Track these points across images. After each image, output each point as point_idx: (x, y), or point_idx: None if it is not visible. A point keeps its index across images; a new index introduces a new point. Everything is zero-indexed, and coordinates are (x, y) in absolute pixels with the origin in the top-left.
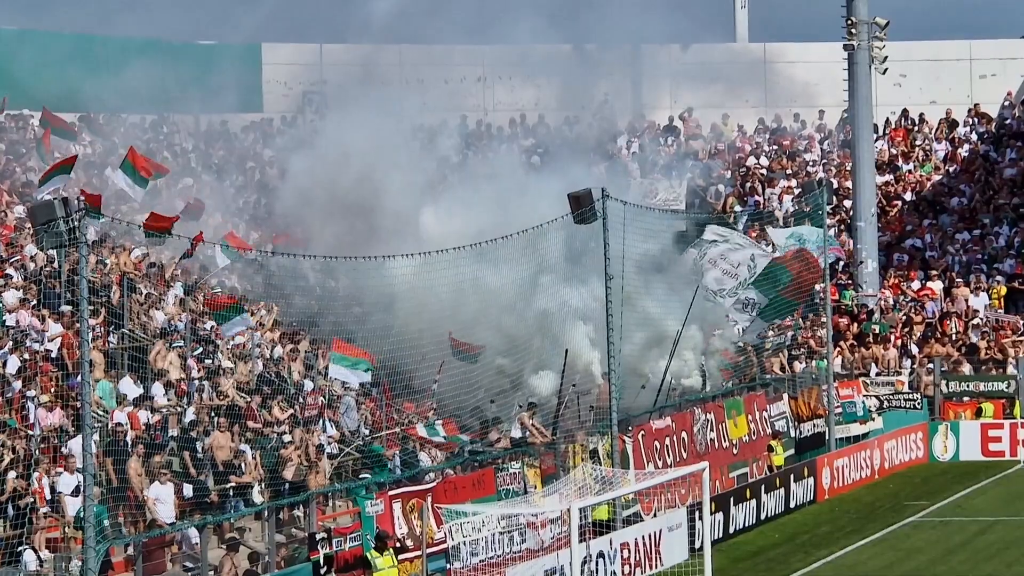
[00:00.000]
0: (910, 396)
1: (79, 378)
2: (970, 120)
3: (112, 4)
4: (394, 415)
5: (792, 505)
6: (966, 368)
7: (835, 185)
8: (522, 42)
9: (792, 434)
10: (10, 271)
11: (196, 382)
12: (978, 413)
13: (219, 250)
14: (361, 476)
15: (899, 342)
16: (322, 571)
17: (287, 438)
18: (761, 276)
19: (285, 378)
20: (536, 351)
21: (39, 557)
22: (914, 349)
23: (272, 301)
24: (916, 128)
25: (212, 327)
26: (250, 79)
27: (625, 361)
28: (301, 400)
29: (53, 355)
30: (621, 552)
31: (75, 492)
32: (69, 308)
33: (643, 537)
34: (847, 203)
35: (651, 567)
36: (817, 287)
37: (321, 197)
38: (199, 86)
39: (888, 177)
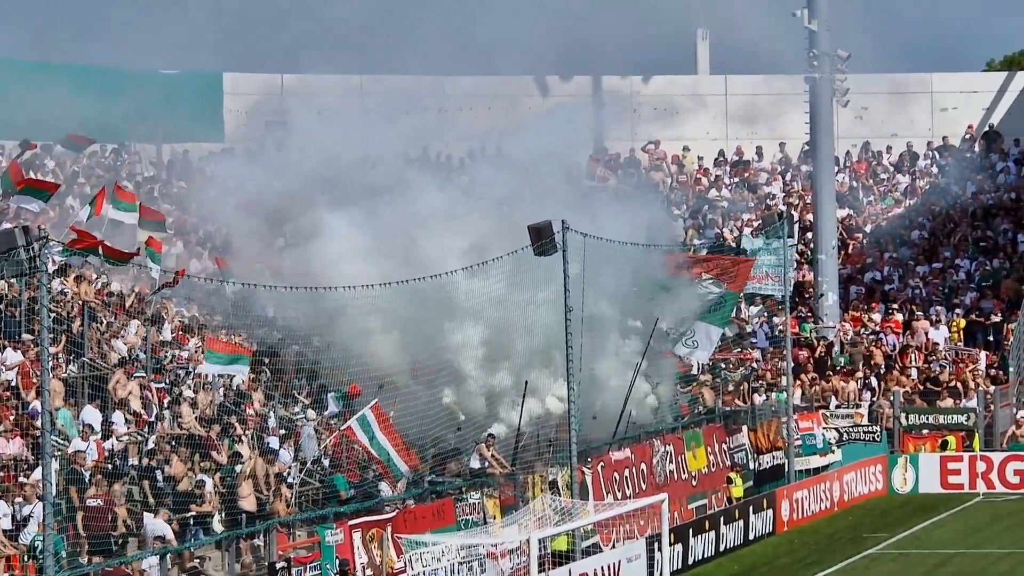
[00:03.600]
0: (869, 429)
1: (38, 407)
2: (931, 153)
3: (74, 32)
4: (355, 446)
5: (751, 537)
6: (926, 401)
7: (796, 217)
8: (483, 73)
9: (751, 466)
10: None
11: (156, 411)
12: (943, 446)
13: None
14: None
15: (861, 375)
16: None
17: (247, 468)
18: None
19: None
20: (497, 381)
21: None
22: (874, 381)
23: (233, 331)
24: (877, 161)
25: (174, 356)
26: (211, 108)
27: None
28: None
29: (12, 383)
30: None
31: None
32: (29, 337)
33: (602, 568)
34: (808, 235)
35: None
36: (777, 319)
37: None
38: (160, 115)
39: (848, 211)
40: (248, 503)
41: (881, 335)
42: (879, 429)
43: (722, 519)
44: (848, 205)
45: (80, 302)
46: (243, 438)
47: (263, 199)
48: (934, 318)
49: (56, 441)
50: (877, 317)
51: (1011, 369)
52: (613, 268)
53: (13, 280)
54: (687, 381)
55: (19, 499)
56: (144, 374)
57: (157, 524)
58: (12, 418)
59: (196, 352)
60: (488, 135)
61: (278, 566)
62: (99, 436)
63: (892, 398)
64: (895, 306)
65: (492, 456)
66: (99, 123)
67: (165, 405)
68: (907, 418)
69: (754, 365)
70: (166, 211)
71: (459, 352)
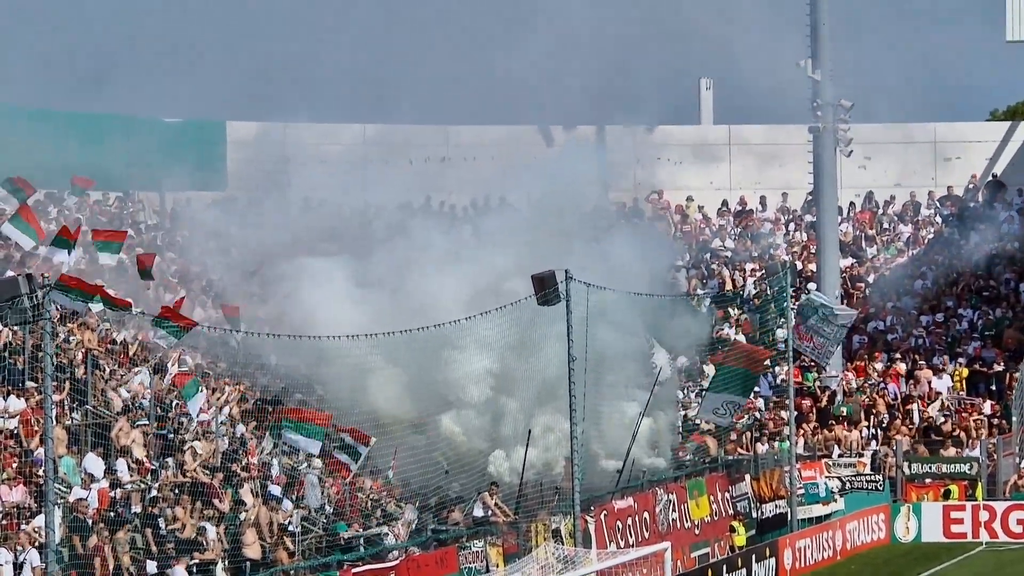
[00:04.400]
0: (872, 478)
1: (42, 454)
2: (934, 203)
3: (77, 80)
4: (358, 493)
5: None
6: (928, 450)
7: (799, 267)
8: (486, 122)
9: (754, 515)
10: None
11: (159, 459)
12: (946, 495)
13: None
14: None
15: (865, 424)
16: None
17: (252, 516)
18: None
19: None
20: (501, 430)
21: None
22: (877, 431)
23: (237, 379)
24: (881, 211)
25: (177, 404)
26: (214, 157)
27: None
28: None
29: (14, 431)
30: None
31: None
32: (33, 384)
33: None
34: (811, 285)
35: None
36: (780, 368)
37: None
38: (163, 163)
39: (851, 261)
40: (252, 551)
41: (884, 384)
42: (882, 478)
43: (725, 568)
44: (851, 255)
45: (83, 349)
46: (246, 485)
47: (263, 248)
48: (937, 367)
49: (59, 489)
50: (880, 366)
51: (1014, 418)
52: (618, 316)
53: (16, 328)
54: (689, 430)
55: (19, 547)
56: (147, 422)
57: (177, 571)
58: (15, 466)
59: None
60: (493, 181)
61: None
62: (101, 484)
63: (895, 447)
64: (898, 355)
65: (495, 504)
66: (102, 171)
67: (167, 453)
68: (910, 467)
69: (757, 414)
70: (170, 259)
71: (461, 398)
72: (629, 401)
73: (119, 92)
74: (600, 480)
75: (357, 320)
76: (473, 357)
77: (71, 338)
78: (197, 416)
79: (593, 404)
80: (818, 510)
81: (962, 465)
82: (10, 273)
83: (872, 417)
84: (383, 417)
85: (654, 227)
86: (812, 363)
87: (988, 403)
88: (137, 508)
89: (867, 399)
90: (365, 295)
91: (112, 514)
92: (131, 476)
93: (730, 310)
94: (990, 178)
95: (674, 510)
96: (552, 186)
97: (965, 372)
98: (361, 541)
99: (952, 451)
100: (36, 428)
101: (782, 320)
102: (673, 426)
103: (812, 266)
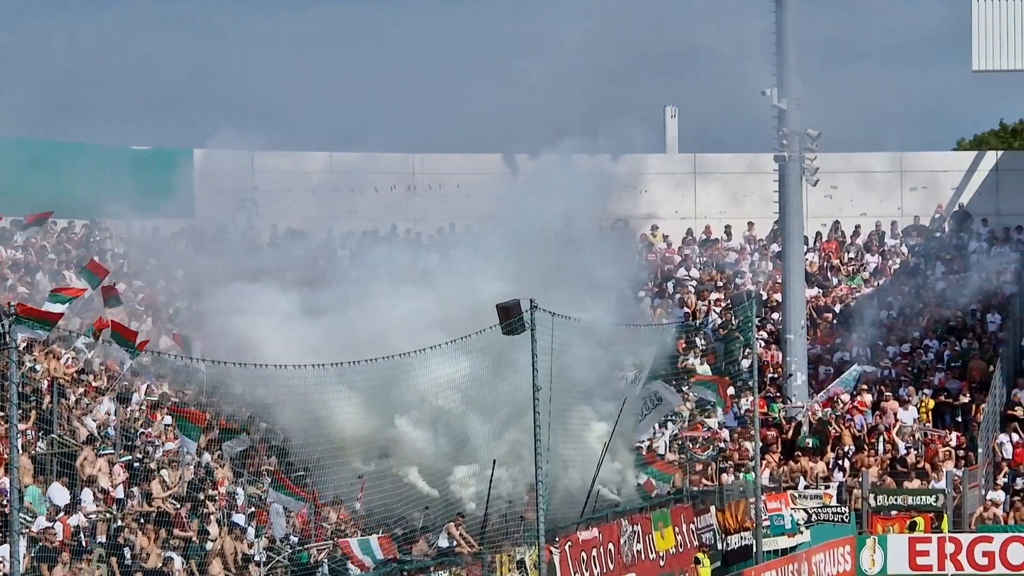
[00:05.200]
0: (838, 509)
1: (6, 483)
2: (900, 233)
3: (46, 107)
4: (323, 523)
5: None
6: (895, 482)
7: (764, 297)
8: (452, 151)
9: (719, 546)
10: None
11: (124, 488)
12: (911, 527)
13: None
14: None
15: (831, 455)
16: None
17: (217, 545)
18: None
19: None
20: (465, 461)
21: None
22: (844, 462)
23: (203, 407)
24: (848, 241)
25: (143, 432)
26: (182, 184)
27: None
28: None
29: None
30: None
31: None
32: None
33: None
34: (775, 315)
35: None
36: (745, 399)
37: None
38: (131, 191)
39: (817, 291)
40: None
41: (850, 416)
42: (848, 510)
43: None
44: (817, 284)
45: (49, 378)
46: (212, 516)
47: (215, 276)
48: (903, 398)
49: (24, 518)
50: (846, 397)
51: (980, 450)
52: (583, 347)
53: None
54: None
55: None
56: (113, 451)
57: None
58: None
59: (166, 429)
60: (460, 208)
61: None
62: (65, 514)
63: (861, 479)
64: (864, 386)
65: (460, 535)
66: (69, 199)
67: (133, 482)
68: (876, 499)
69: (722, 445)
70: (137, 288)
71: (424, 429)
72: (595, 426)
73: (86, 120)
74: (564, 507)
75: (300, 347)
76: (435, 385)
77: (37, 367)
78: (191, 451)
79: (559, 432)
80: (784, 542)
81: (928, 497)
82: None
83: (838, 448)
84: (348, 444)
85: (625, 248)
86: (777, 394)
87: (954, 434)
88: (103, 538)
89: (833, 430)
90: (313, 321)
91: (77, 544)
92: (97, 505)
93: (697, 340)
94: (956, 208)
95: (639, 541)
96: (519, 212)
97: (932, 403)
98: (326, 571)
99: (917, 483)
100: (5, 457)
101: (747, 351)
102: (638, 455)
103: (778, 296)
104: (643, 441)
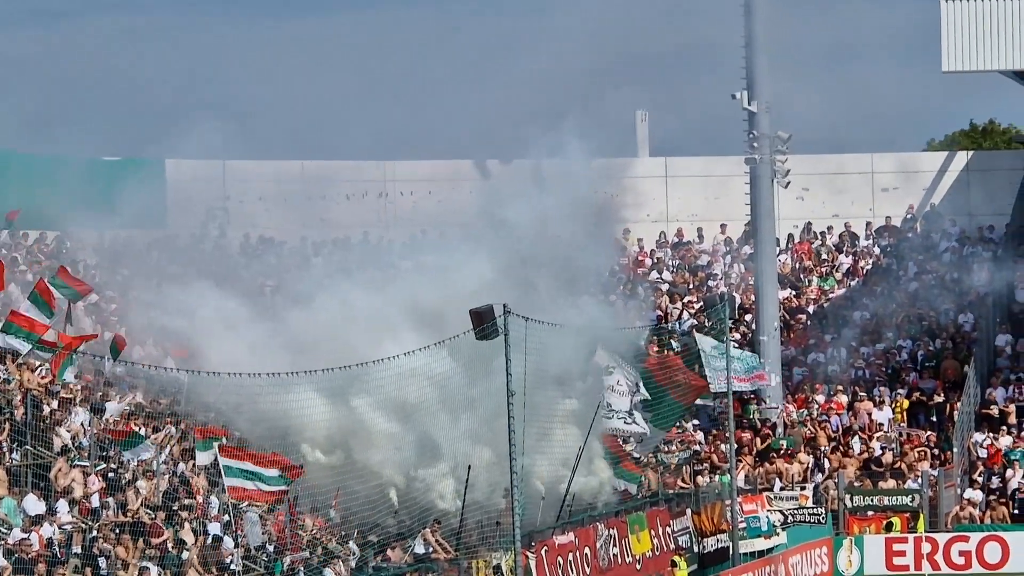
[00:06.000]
0: (814, 511)
1: None
2: (872, 234)
3: (15, 119)
4: (299, 531)
5: None
6: (870, 482)
7: (737, 300)
8: (424, 158)
9: (695, 549)
10: None
11: (99, 498)
12: (887, 527)
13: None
14: None
15: (806, 457)
16: None
17: (193, 554)
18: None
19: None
20: (438, 466)
21: None
22: (820, 462)
23: (178, 417)
24: (820, 242)
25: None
26: (154, 195)
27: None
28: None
29: None
30: None
31: None
32: None
33: None
34: (748, 317)
35: None
36: (713, 401)
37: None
38: (102, 201)
39: (790, 292)
40: None
41: (825, 417)
42: (824, 511)
43: None
44: (790, 286)
45: (24, 390)
46: (187, 524)
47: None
48: (877, 399)
49: (0, 531)
50: (820, 398)
51: (955, 449)
52: (556, 350)
53: None
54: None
55: None
56: (87, 462)
57: None
58: None
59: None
60: (431, 215)
61: None
62: (40, 525)
63: (836, 480)
64: (839, 387)
65: (436, 541)
66: (40, 209)
67: (108, 492)
68: (852, 499)
69: (696, 447)
70: (109, 299)
71: (397, 435)
72: (568, 429)
73: (56, 131)
74: (537, 511)
75: (249, 347)
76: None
77: (11, 379)
78: (139, 458)
79: (534, 434)
80: (760, 544)
81: (904, 497)
82: None
83: (814, 450)
84: (321, 449)
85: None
86: (752, 396)
87: (929, 434)
88: (78, 548)
89: (808, 431)
90: (263, 321)
91: (52, 555)
92: (72, 516)
93: (672, 342)
94: (928, 208)
95: (615, 545)
96: (490, 218)
97: (906, 403)
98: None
99: (892, 483)
100: None
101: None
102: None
103: (751, 298)
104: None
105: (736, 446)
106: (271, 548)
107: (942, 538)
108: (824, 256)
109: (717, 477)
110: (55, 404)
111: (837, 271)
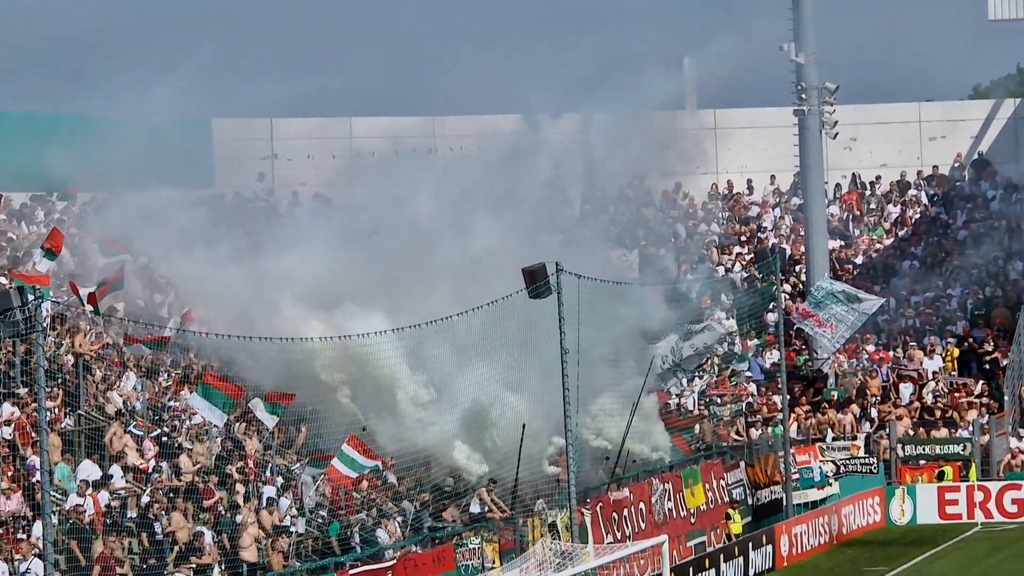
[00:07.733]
0: (866, 460)
1: (36, 462)
2: (921, 183)
3: (61, 81)
4: (354, 493)
5: (751, 573)
6: (922, 431)
7: (788, 251)
8: (472, 112)
9: (749, 501)
10: None
11: (153, 463)
12: (939, 476)
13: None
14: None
15: (856, 407)
16: None
17: (249, 519)
18: None
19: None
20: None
21: None
22: (872, 413)
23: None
24: (868, 192)
25: (173, 405)
26: (201, 154)
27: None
28: (261, 479)
29: (9, 439)
30: None
31: None
32: (25, 391)
33: None
34: (798, 268)
35: None
36: (771, 352)
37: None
38: (149, 163)
39: (839, 242)
40: (249, 554)
41: (875, 366)
42: (876, 461)
43: (722, 556)
44: (839, 236)
45: (74, 354)
46: (241, 488)
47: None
48: (928, 348)
49: (54, 496)
50: (871, 348)
51: (1006, 398)
52: (608, 306)
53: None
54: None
55: (18, 556)
56: (140, 429)
57: None
58: (10, 474)
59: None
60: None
61: None
62: (95, 490)
63: (888, 429)
64: (889, 337)
65: (492, 500)
66: (89, 172)
67: (162, 456)
68: (903, 449)
69: (749, 399)
70: (155, 261)
71: (457, 394)
72: (623, 387)
73: (99, 91)
74: (594, 464)
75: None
76: (466, 356)
77: (61, 342)
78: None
79: (587, 394)
80: (813, 494)
81: (955, 446)
82: (2, 281)
83: (865, 399)
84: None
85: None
86: (804, 347)
87: (980, 383)
88: (132, 513)
89: (859, 381)
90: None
91: (108, 520)
92: (126, 481)
93: (722, 295)
94: (976, 156)
95: (669, 499)
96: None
97: (956, 352)
98: (357, 540)
99: (944, 432)
100: (32, 435)
101: (772, 304)
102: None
103: (801, 249)
104: (672, 397)
105: (788, 397)
106: (325, 512)
107: (994, 486)
108: (872, 206)
109: (770, 429)
110: (106, 368)
111: (886, 221)
